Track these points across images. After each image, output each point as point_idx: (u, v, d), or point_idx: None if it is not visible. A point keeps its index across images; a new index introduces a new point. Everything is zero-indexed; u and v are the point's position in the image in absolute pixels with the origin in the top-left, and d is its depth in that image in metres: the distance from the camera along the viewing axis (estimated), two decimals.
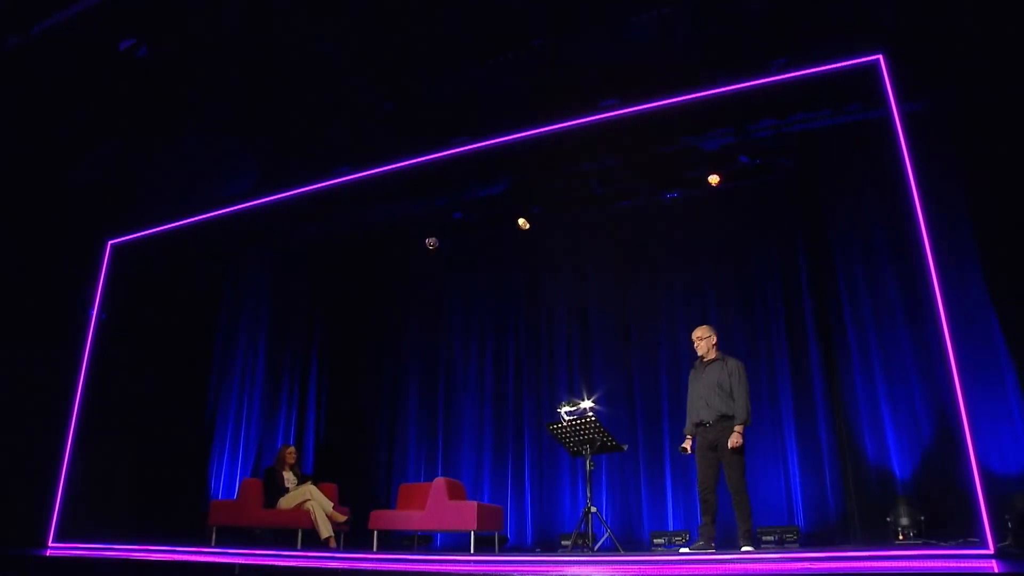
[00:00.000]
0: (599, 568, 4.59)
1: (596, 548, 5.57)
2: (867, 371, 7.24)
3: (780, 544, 7.36)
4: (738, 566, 3.92)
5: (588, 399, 5.86)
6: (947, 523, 6.40)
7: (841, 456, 7.56)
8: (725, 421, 5.84)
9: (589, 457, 5.65)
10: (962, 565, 3.61)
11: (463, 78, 7.87)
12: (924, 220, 4.63)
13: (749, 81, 6.51)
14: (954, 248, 7.04)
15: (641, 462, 8.57)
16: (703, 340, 6.24)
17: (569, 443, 5.74)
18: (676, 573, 3.88)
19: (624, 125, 7.65)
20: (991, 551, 3.73)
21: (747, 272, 8.70)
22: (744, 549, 5.61)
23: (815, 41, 6.39)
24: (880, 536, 6.63)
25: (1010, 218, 5.87)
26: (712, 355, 6.18)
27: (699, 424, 5.92)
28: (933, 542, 6.07)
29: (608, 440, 5.57)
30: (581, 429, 5.57)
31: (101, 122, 7.26)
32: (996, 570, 3.53)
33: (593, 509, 5.49)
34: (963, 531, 6.15)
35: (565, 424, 5.63)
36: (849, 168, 7.94)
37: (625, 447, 5.78)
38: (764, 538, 7.46)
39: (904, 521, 6.35)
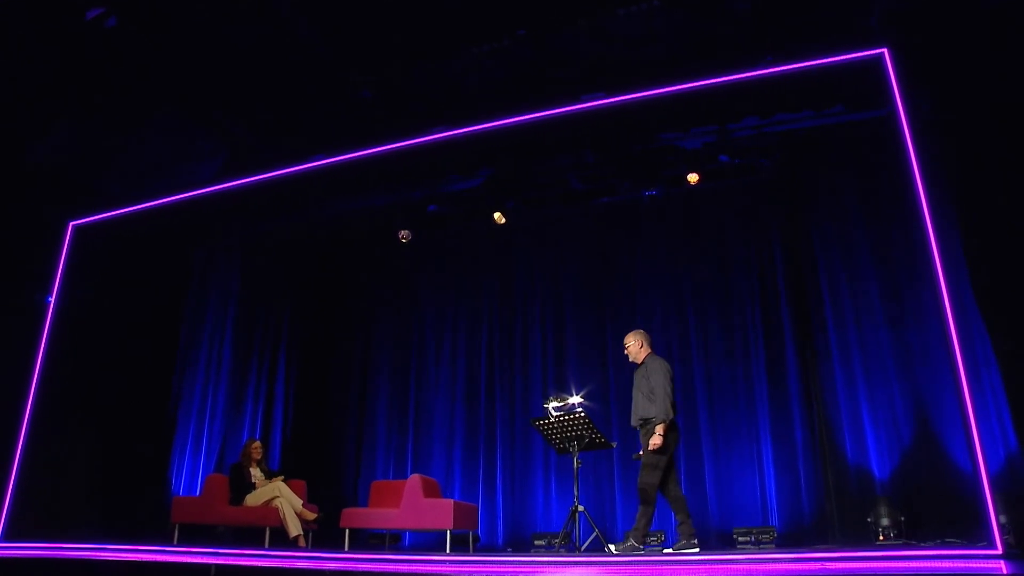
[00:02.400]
0: (594, 570, 4.46)
1: (583, 548, 5.43)
2: (848, 372, 7.26)
3: (756, 545, 7.33)
4: (754, 566, 3.83)
5: (576, 394, 5.71)
6: (926, 523, 6.44)
7: (820, 457, 7.57)
8: (648, 424, 5.74)
9: (576, 454, 5.50)
10: (971, 566, 3.56)
11: (446, 66, 7.72)
12: (931, 219, 4.54)
13: (743, 74, 6.45)
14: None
15: (615, 462, 8.47)
16: (629, 347, 6.14)
17: (555, 440, 5.58)
18: (675, 574, 3.77)
19: (605, 120, 7.57)
20: (999, 551, 3.69)
21: (725, 271, 8.68)
22: (609, 547, 5.52)
23: (814, 36, 6.36)
24: (860, 536, 6.63)
25: (996, 218, 5.89)
26: (641, 358, 6.06)
27: (634, 428, 5.83)
28: (913, 543, 6.09)
29: (597, 437, 5.43)
30: (569, 425, 5.42)
31: (66, 95, 6.86)
32: (1005, 571, 3.49)
33: (581, 508, 5.35)
34: (942, 531, 6.20)
35: (552, 420, 5.47)
36: (831, 170, 7.96)
37: (614, 444, 5.64)
38: (740, 539, 7.43)
39: (884, 521, 6.36)
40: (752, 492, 7.94)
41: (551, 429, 5.52)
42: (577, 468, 5.50)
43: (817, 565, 3.71)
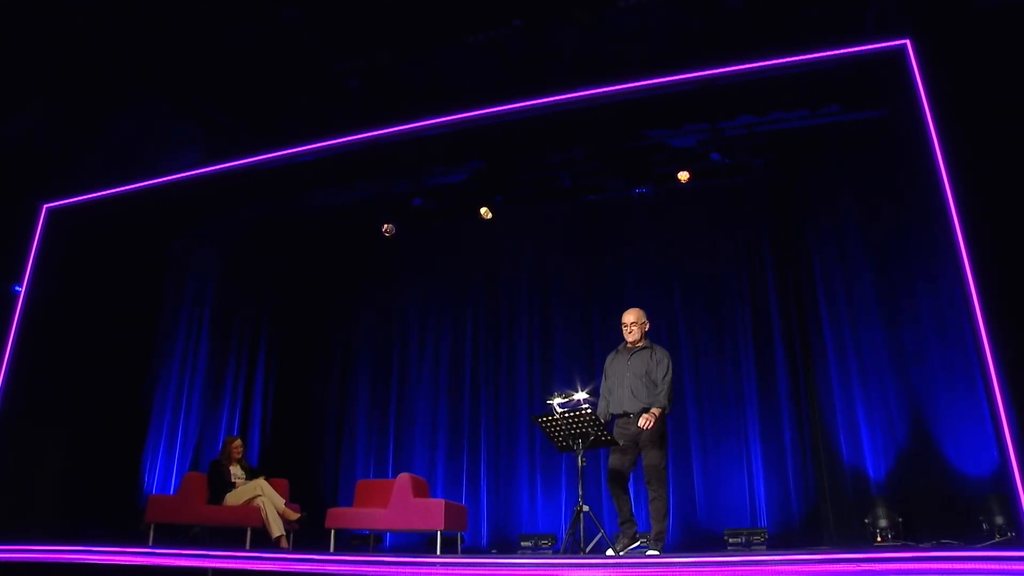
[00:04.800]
0: (603, 572, 4.32)
1: (588, 549, 5.27)
2: (843, 372, 7.20)
3: (747, 546, 7.25)
4: (783, 567, 3.71)
5: (582, 390, 5.54)
6: (921, 525, 6.42)
7: (815, 458, 7.55)
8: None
9: (581, 453, 5.33)
10: (1007, 568, 3.49)
11: (438, 56, 7.55)
12: (958, 217, 4.46)
13: (743, 65, 6.38)
14: (928, 251, 7.12)
15: (602, 462, 8.33)
16: (637, 325, 5.74)
17: (558, 437, 5.41)
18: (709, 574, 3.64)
19: (596, 116, 7.47)
20: None
21: (716, 271, 8.63)
22: (650, 553, 5.29)
23: (817, 31, 6.32)
24: (856, 538, 6.59)
25: (999, 219, 5.87)
26: (642, 342, 5.77)
27: (621, 415, 5.56)
28: (912, 544, 6.06)
29: (603, 434, 5.27)
30: (574, 422, 5.26)
31: (41, 70, 6.51)
32: None
33: (586, 508, 5.18)
34: (938, 533, 6.18)
35: (557, 417, 5.30)
36: (825, 170, 7.93)
37: (622, 442, 5.49)
38: (731, 540, 7.36)
39: (882, 523, 6.32)
40: (741, 493, 7.88)
41: (555, 426, 5.35)
42: (582, 467, 5.33)
43: (853, 566, 3.62)
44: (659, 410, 5.45)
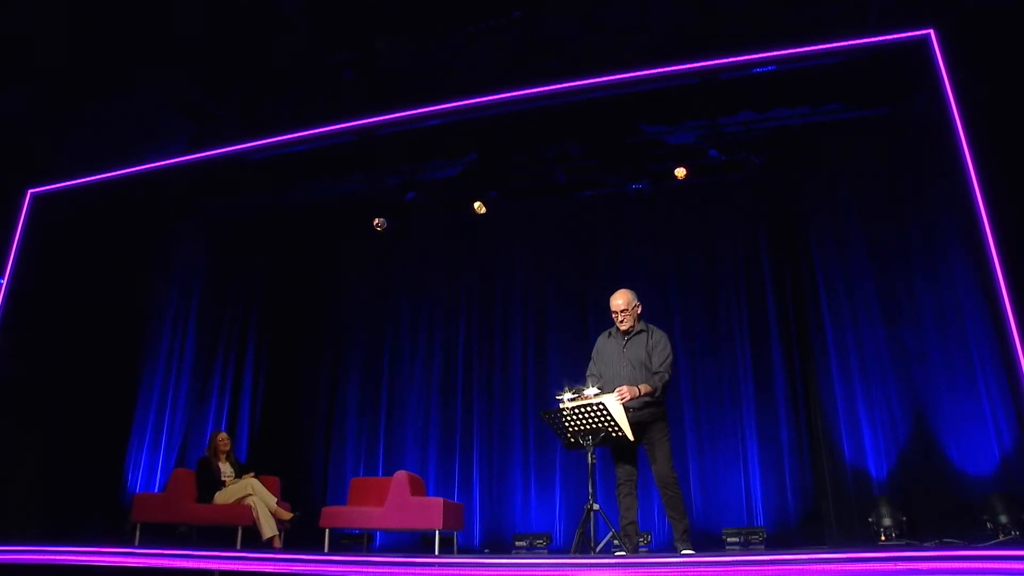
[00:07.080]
0: (605, 571, 4.21)
1: (598, 549, 5.15)
2: (845, 371, 7.16)
3: (745, 546, 7.20)
4: (779, 567, 3.62)
5: (593, 386, 5.41)
6: (924, 523, 6.39)
7: (812, 457, 7.51)
8: (651, 408, 5.21)
9: (591, 450, 5.20)
10: (1010, 567, 3.44)
11: (434, 47, 7.42)
12: (988, 214, 4.39)
13: (747, 56, 6.30)
14: (929, 249, 7.11)
15: (599, 460, 8.21)
16: (628, 313, 5.28)
17: (567, 434, 5.28)
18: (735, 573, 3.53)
19: (591, 110, 7.37)
20: None
21: (713, 269, 8.58)
22: (685, 552, 5.07)
23: (838, 20, 6.26)
24: (859, 537, 6.55)
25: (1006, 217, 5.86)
26: (638, 325, 5.37)
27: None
28: (915, 543, 6.02)
29: (614, 430, 5.14)
30: (584, 418, 5.12)
31: (29, 54, 6.26)
32: None
33: (596, 507, 5.06)
34: (940, 532, 6.16)
35: (567, 412, 5.17)
36: (825, 167, 7.89)
37: (632, 439, 5.37)
38: (729, 539, 7.31)
39: (886, 522, 6.29)
40: (738, 492, 7.83)
41: (564, 422, 5.22)
42: (592, 464, 5.19)
43: (858, 566, 3.54)
44: (648, 388, 5.13)
